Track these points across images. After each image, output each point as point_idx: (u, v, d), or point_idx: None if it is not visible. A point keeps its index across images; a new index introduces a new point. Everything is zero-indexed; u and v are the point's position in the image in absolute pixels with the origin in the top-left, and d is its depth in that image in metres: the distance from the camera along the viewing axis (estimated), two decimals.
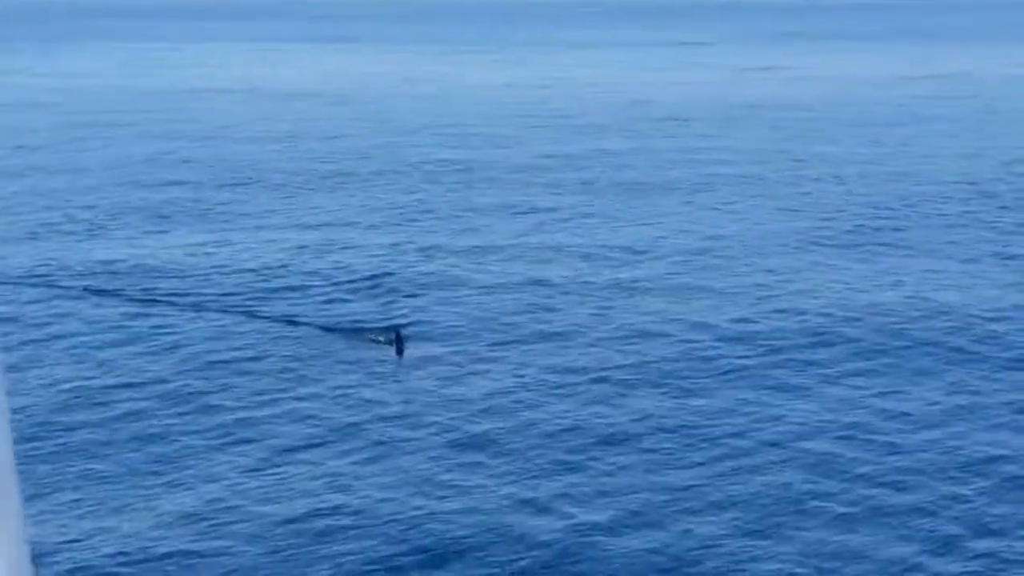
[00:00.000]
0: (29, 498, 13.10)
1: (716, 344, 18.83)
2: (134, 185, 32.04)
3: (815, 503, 13.31)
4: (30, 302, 20.63)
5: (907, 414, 15.98)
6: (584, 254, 24.59)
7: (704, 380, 17.27)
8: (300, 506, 13.01)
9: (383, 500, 13.18)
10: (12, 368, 17.09)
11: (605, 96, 56.50)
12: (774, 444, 14.97)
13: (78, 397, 16.12)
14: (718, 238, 26.26)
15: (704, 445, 14.90)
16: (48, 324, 19.35)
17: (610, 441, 14.95)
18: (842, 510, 13.14)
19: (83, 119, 46.50)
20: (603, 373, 17.39)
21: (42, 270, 22.75)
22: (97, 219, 27.75)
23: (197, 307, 20.22)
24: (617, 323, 19.78)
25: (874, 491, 13.61)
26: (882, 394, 16.78)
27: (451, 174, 34.58)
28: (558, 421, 15.59)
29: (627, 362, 17.88)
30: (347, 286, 21.87)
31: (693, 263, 24.03)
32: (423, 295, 21.24)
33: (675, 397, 16.54)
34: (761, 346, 18.79)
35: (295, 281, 22.22)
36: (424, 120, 47.26)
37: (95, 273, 22.50)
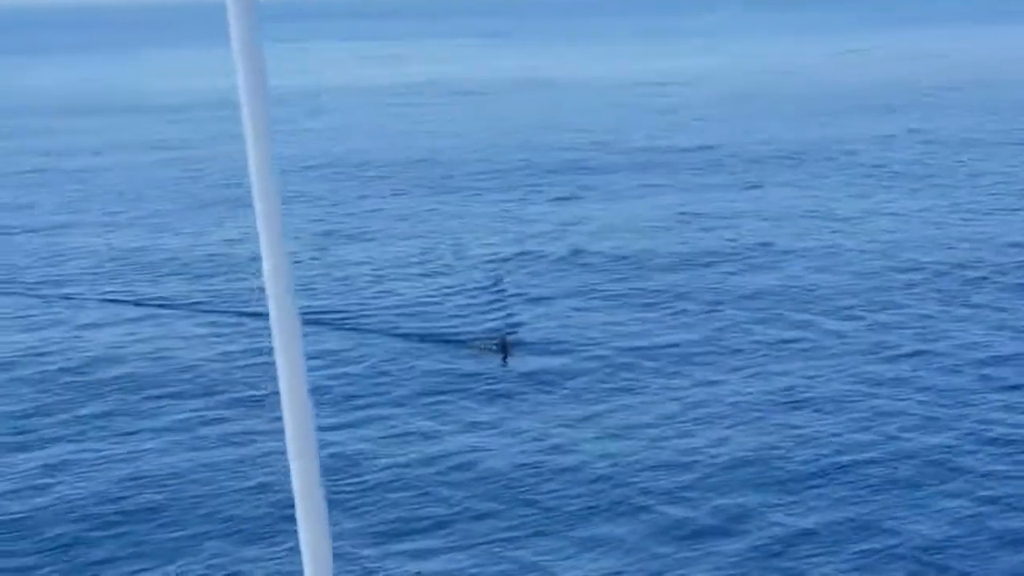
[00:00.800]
0: None
1: (905, 361, 16.78)
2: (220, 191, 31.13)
3: None
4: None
5: None
6: (719, 255, 22.84)
7: (898, 388, 15.71)
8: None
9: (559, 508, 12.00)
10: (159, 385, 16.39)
11: (723, 85, 54.96)
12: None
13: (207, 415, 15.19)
14: (888, 238, 24.07)
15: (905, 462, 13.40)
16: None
17: (754, 460, 13.42)
18: None
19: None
20: (750, 391, 15.66)
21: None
22: (180, 219, 27.03)
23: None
24: (754, 334, 17.87)
25: None
26: None
27: (566, 173, 33.04)
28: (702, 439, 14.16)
29: (774, 375, 16.10)
30: (457, 293, 20.58)
31: (874, 262, 21.99)
32: (536, 303, 19.77)
33: (838, 412, 14.85)
34: (971, 350, 17.00)
35: (400, 291, 20.94)
36: (541, 118, 45.92)
37: (192, 290, 21.61)
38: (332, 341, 18.04)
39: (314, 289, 21.04)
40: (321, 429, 14.54)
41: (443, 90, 58.76)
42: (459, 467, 13.30)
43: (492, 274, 21.71)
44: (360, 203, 29.39)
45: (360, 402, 15.41)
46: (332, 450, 13.72)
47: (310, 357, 16.84)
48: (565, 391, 15.65)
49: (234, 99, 1.87)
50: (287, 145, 39.38)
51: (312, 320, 18.96)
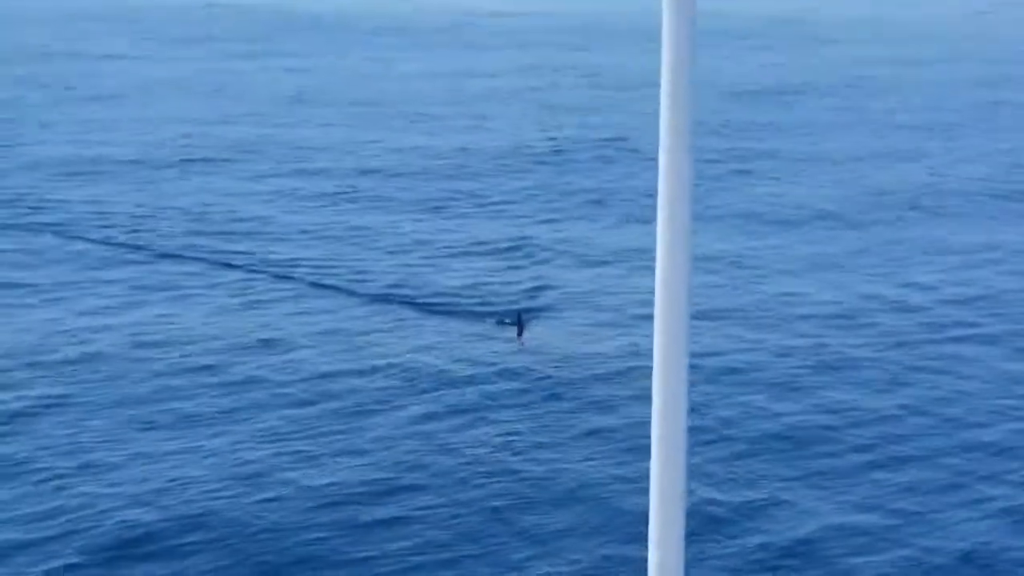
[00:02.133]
0: None
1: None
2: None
3: None
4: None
5: None
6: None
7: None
8: None
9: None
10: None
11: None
12: None
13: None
14: None
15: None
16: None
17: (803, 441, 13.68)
18: None
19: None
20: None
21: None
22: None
23: (324, 287, 19.14)
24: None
25: None
26: None
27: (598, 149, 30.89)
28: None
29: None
30: (475, 267, 20.35)
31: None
32: (555, 275, 19.59)
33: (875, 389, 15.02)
34: None
35: (426, 262, 20.61)
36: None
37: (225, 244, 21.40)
38: (345, 306, 18.04)
39: (340, 254, 20.81)
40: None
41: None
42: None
43: (518, 246, 21.33)
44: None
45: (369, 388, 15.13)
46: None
47: (315, 326, 16.38)
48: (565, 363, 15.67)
49: None
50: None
51: (324, 284, 19.03)
